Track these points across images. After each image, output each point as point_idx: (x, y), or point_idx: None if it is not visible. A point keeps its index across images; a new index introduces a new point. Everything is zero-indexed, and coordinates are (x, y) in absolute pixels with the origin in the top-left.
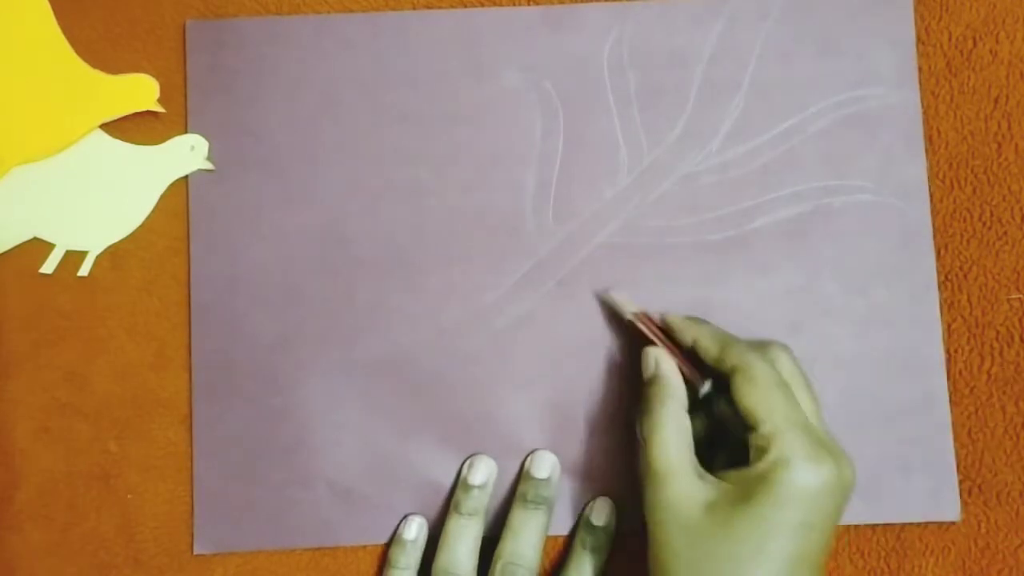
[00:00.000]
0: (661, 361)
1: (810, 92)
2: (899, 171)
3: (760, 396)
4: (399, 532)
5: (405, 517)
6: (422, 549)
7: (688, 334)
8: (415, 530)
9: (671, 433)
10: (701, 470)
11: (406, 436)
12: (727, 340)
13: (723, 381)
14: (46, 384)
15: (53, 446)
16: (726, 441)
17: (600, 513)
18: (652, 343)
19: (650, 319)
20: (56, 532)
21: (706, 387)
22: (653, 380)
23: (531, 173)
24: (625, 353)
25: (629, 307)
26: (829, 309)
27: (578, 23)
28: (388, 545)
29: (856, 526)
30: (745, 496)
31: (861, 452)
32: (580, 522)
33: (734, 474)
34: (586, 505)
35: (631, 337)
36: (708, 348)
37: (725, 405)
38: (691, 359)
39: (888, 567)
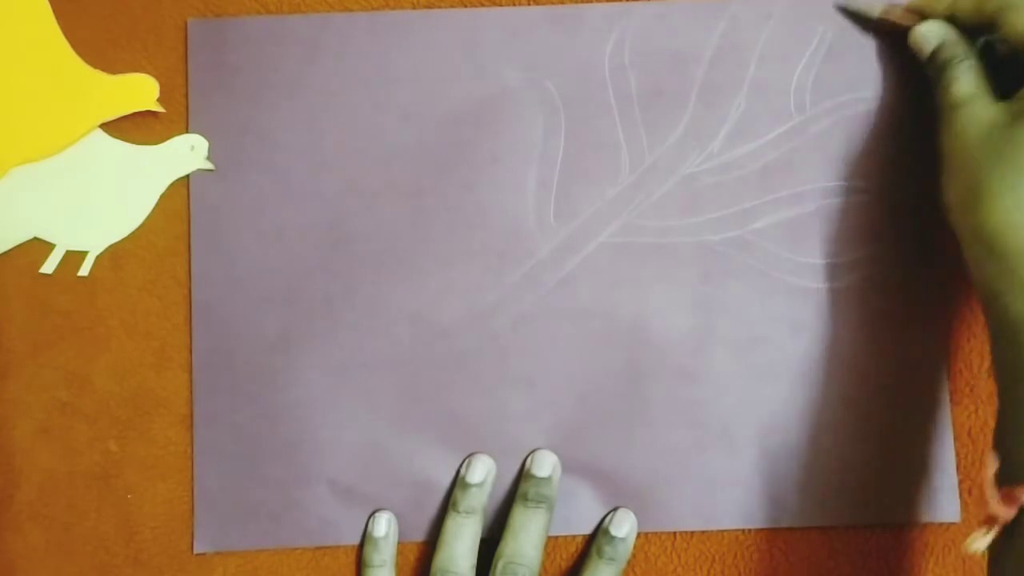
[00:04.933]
0: (939, 30)
1: (811, 93)
2: (900, 173)
3: None
4: (369, 530)
5: (373, 514)
6: (395, 544)
7: (941, 3)
8: (384, 526)
9: (969, 73)
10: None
11: (406, 435)
12: None
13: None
14: (46, 384)
15: (53, 446)
16: None
17: (621, 525)
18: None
19: (896, 9)
20: (56, 532)
21: (980, 41)
22: (942, 48)
23: (532, 173)
24: (625, 353)
25: (873, 9)
26: (829, 310)
27: (579, 23)
28: (361, 546)
29: (856, 526)
30: None
31: (861, 452)
32: (599, 531)
33: None
34: (606, 515)
35: (633, 336)
36: (964, 5)
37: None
38: None
39: (888, 567)
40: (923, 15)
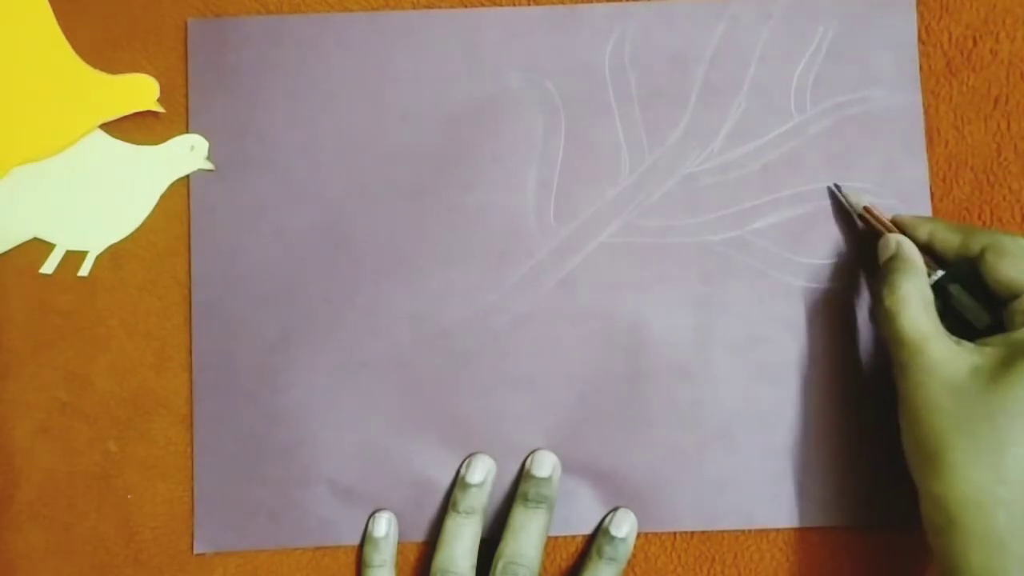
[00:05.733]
0: (902, 242)
1: (811, 93)
2: (900, 173)
3: (1020, 266)
4: (369, 530)
5: (373, 514)
6: (395, 544)
7: (922, 229)
8: (384, 526)
9: (919, 302)
10: (955, 338)
11: (406, 436)
12: (967, 227)
13: (957, 272)
14: (46, 384)
15: (53, 446)
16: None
17: (621, 525)
18: (882, 233)
19: (878, 215)
20: (56, 532)
21: (937, 275)
22: (896, 257)
23: (532, 173)
24: (625, 353)
25: (859, 201)
26: (829, 309)
27: (580, 23)
28: (361, 546)
29: (856, 527)
30: (1013, 357)
31: (861, 453)
32: (599, 531)
33: (998, 339)
34: (606, 515)
35: (633, 336)
36: (947, 238)
37: (960, 294)
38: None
39: (888, 567)
40: (902, 230)
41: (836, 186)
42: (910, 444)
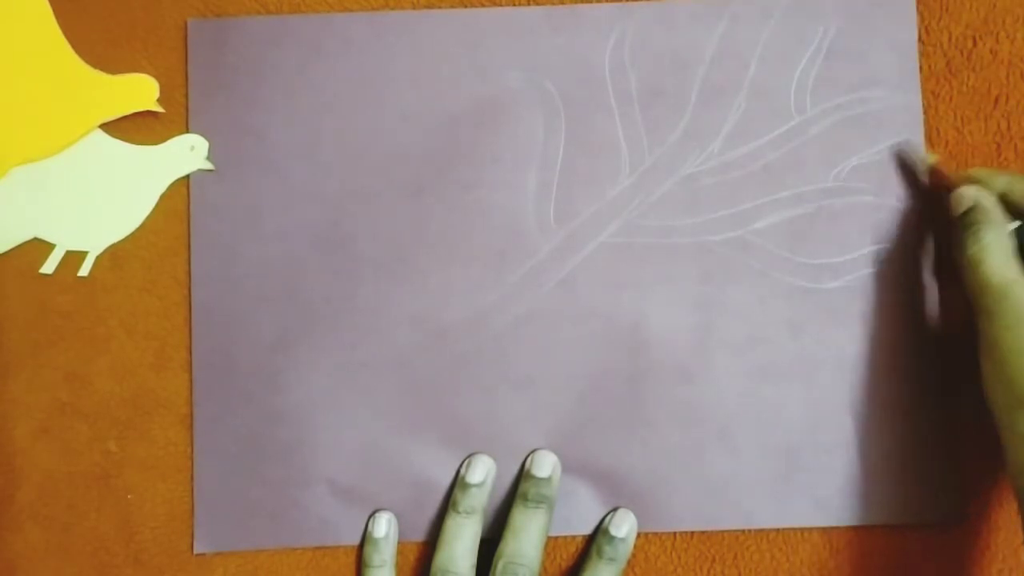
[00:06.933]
0: (980, 194)
1: (811, 94)
2: (900, 173)
3: None
4: (369, 530)
5: (373, 514)
6: (395, 544)
7: (997, 181)
8: (384, 526)
9: (1002, 250)
10: None
11: (406, 436)
12: None
13: None
14: (46, 384)
15: (53, 446)
16: None
17: (621, 525)
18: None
19: (950, 166)
20: (56, 532)
21: (1014, 224)
22: (976, 208)
23: (532, 173)
24: (625, 353)
25: (929, 158)
26: (829, 310)
27: (580, 23)
28: (361, 546)
29: (856, 526)
30: None
31: (861, 452)
32: (599, 531)
33: None
34: (606, 515)
35: (633, 336)
36: (1021, 189)
37: None
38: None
39: (888, 567)
40: (978, 183)
41: (906, 143)
42: (998, 387)
